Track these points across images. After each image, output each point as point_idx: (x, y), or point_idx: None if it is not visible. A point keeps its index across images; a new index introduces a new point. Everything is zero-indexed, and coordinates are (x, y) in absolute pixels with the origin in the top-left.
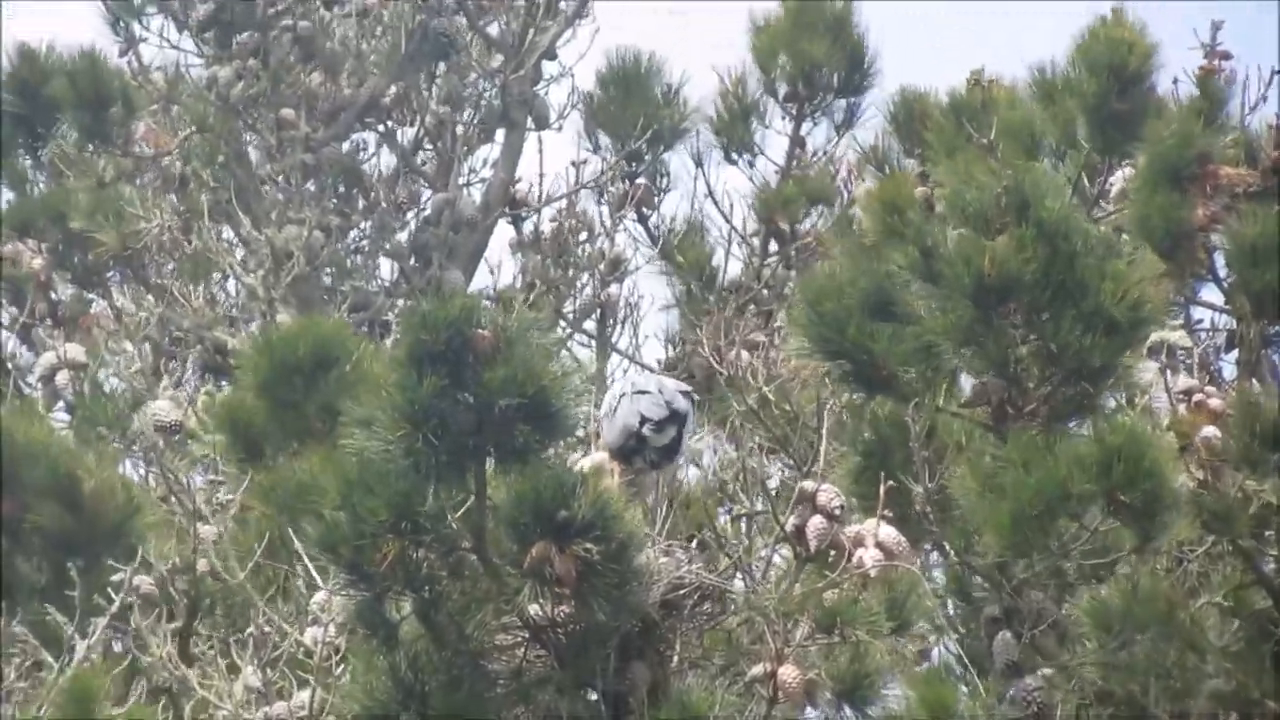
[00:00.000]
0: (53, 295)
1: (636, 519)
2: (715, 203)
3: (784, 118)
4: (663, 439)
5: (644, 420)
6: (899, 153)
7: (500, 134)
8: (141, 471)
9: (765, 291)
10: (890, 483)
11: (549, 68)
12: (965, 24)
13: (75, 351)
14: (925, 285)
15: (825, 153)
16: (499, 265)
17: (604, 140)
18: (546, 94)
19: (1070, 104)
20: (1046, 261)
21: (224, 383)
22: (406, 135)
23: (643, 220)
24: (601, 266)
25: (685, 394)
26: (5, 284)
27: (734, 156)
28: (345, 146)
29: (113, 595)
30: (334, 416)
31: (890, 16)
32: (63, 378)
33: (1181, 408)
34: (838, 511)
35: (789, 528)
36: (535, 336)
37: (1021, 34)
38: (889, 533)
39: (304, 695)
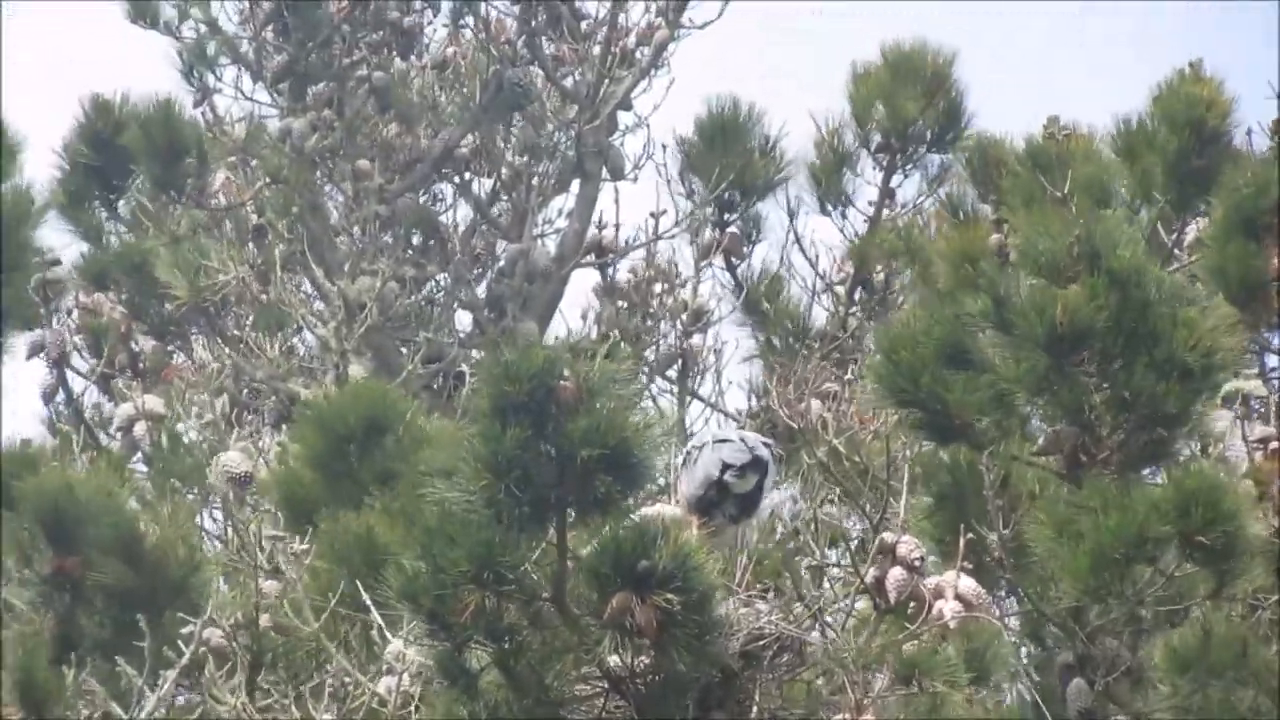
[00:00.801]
0: (132, 346)
1: (717, 569)
2: (804, 252)
3: (875, 168)
4: (744, 485)
5: (726, 467)
6: (974, 198)
7: (575, 185)
8: (218, 523)
9: (850, 342)
10: (969, 535)
11: (624, 118)
12: (1042, 65)
13: (153, 403)
14: (998, 334)
15: (915, 205)
16: (588, 311)
17: (696, 186)
18: (622, 144)
19: (1149, 158)
20: (1119, 309)
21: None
22: (482, 186)
23: (730, 269)
24: (684, 316)
25: (767, 445)
26: (85, 335)
27: (828, 207)
28: (420, 198)
29: (182, 648)
30: (387, 483)
31: (977, 61)
32: (140, 429)
33: (1258, 456)
34: (917, 563)
35: (869, 579)
36: (617, 387)
37: (1099, 77)
38: (968, 585)
39: None
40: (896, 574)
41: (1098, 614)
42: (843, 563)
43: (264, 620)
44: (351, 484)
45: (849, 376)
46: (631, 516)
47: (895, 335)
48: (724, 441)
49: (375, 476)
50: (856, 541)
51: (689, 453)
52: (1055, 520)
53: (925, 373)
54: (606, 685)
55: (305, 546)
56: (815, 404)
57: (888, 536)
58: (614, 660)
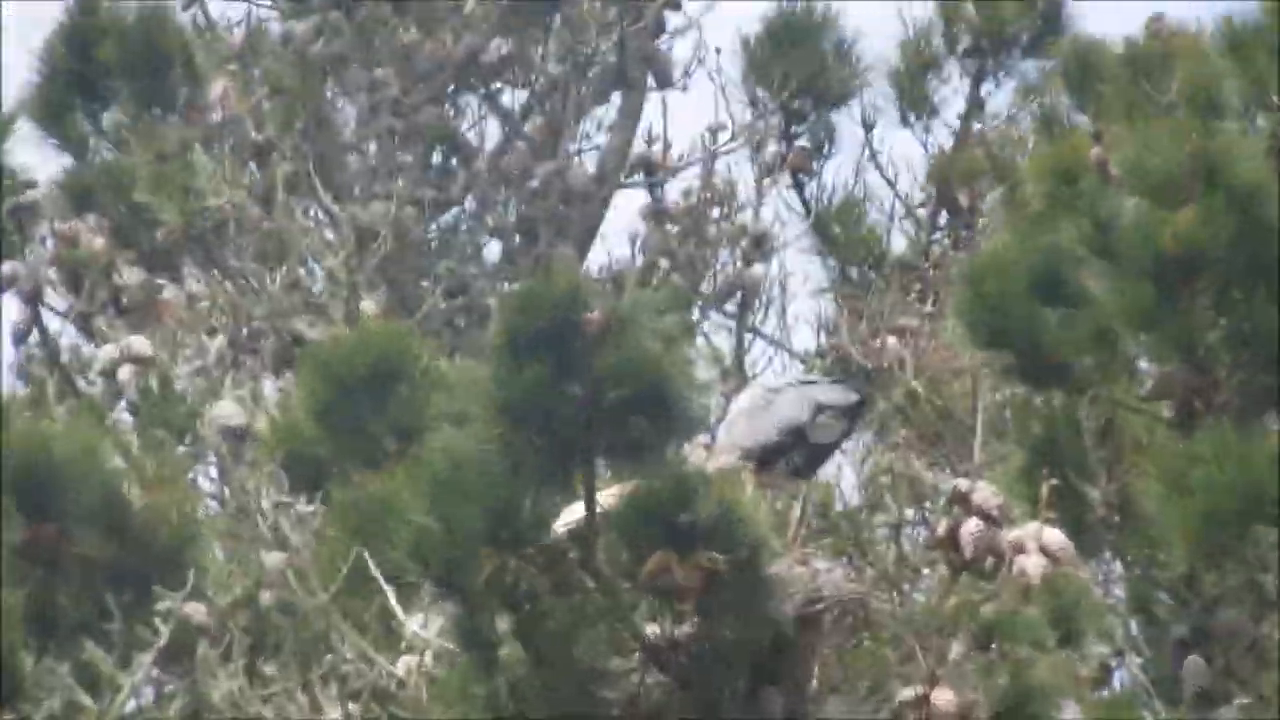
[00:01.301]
0: (116, 280)
1: (769, 523)
2: (881, 170)
3: (962, 75)
4: (832, 433)
5: (821, 408)
6: (1070, 110)
7: (617, 96)
8: (214, 483)
9: (932, 272)
10: (1054, 480)
11: (672, 20)
12: None
13: (140, 344)
14: (1100, 263)
15: (1007, 117)
16: (634, 238)
17: (760, 95)
18: (670, 49)
19: (1263, 60)
20: (1238, 233)
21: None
22: (514, 97)
23: (798, 188)
24: (744, 242)
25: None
26: (62, 267)
27: (910, 118)
28: (443, 111)
29: (160, 627)
30: (403, 438)
31: None
32: (125, 373)
33: None
34: (995, 513)
35: (941, 532)
36: (655, 318)
37: None
38: (1054, 536)
39: None
40: (972, 526)
41: (1214, 581)
42: (919, 519)
43: (266, 597)
44: (362, 439)
45: (930, 310)
46: (680, 464)
47: (981, 265)
48: (810, 383)
49: (389, 430)
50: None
51: (748, 397)
52: (1165, 474)
53: (1016, 308)
54: (643, 657)
55: (311, 509)
56: (892, 341)
57: (961, 483)
58: (651, 628)
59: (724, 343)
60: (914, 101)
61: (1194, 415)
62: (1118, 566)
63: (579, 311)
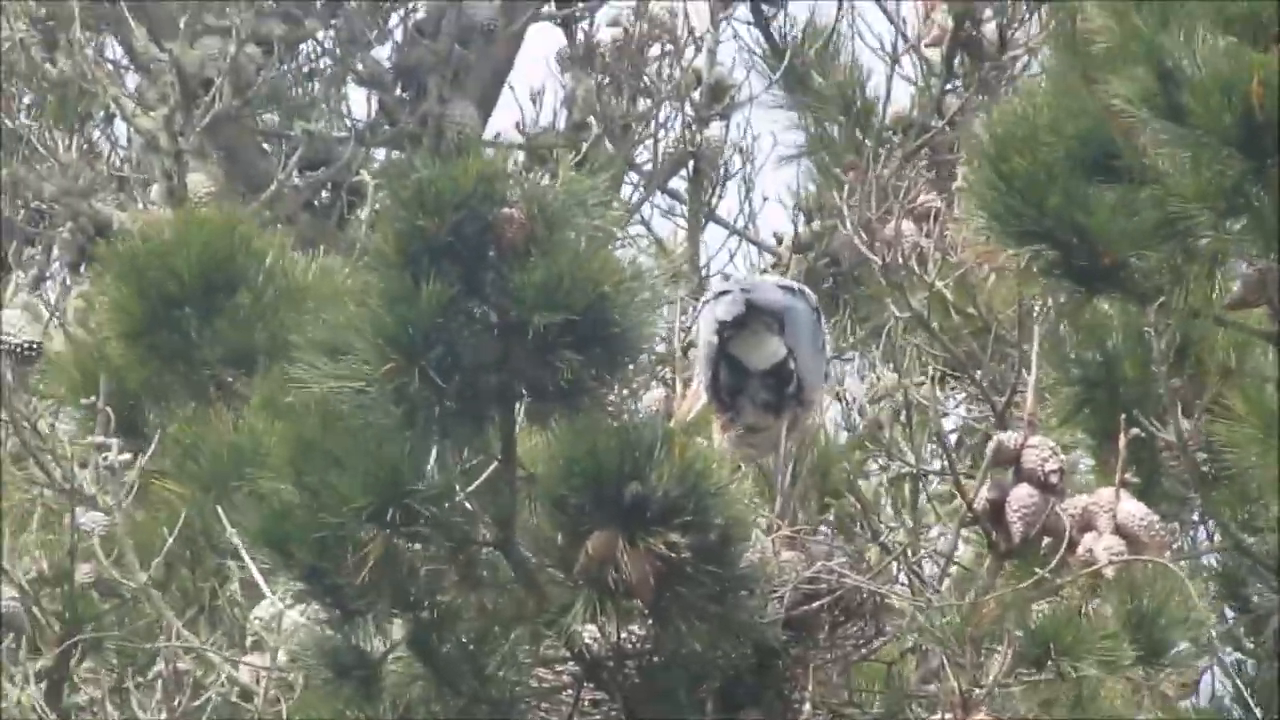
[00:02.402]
0: None
1: (746, 495)
2: None
3: None
4: (756, 353)
5: (722, 327)
6: None
7: None
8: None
9: (947, 132)
10: (1135, 430)
11: None
12: None
13: None
14: (1167, 126)
15: None
16: (540, 93)
17: None
18: None
19: None
20: None
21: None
22: None
23: (762, 23)
24: (696, 95)
25: (788, 289)
26: None
27: None
28: None
29: None
30: (248, 363)
31: None
32: None
33: None
34: (1055, 479)
35: (981, 503)
36: (592, 215)
37: None
38: (1134, 509)
39: None
40: (1022, 495)
41: None
42: (940, 471)
43: (84, 571)
44: (187, 368)
45: (959, 185)
46: (628, 413)
47: (1006, 132)
48: (722, 295)
49: (228, 356)
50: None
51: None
52: (1261, 409)
53: (1054, 188)
54: (579, 671)
55: (129, 455)
56: (908, 227)
57: (1006, 437)
58: (591, 634)
59: (670, 231)
60: None
61: None
62: (1199, 535)
63: (494, 208)
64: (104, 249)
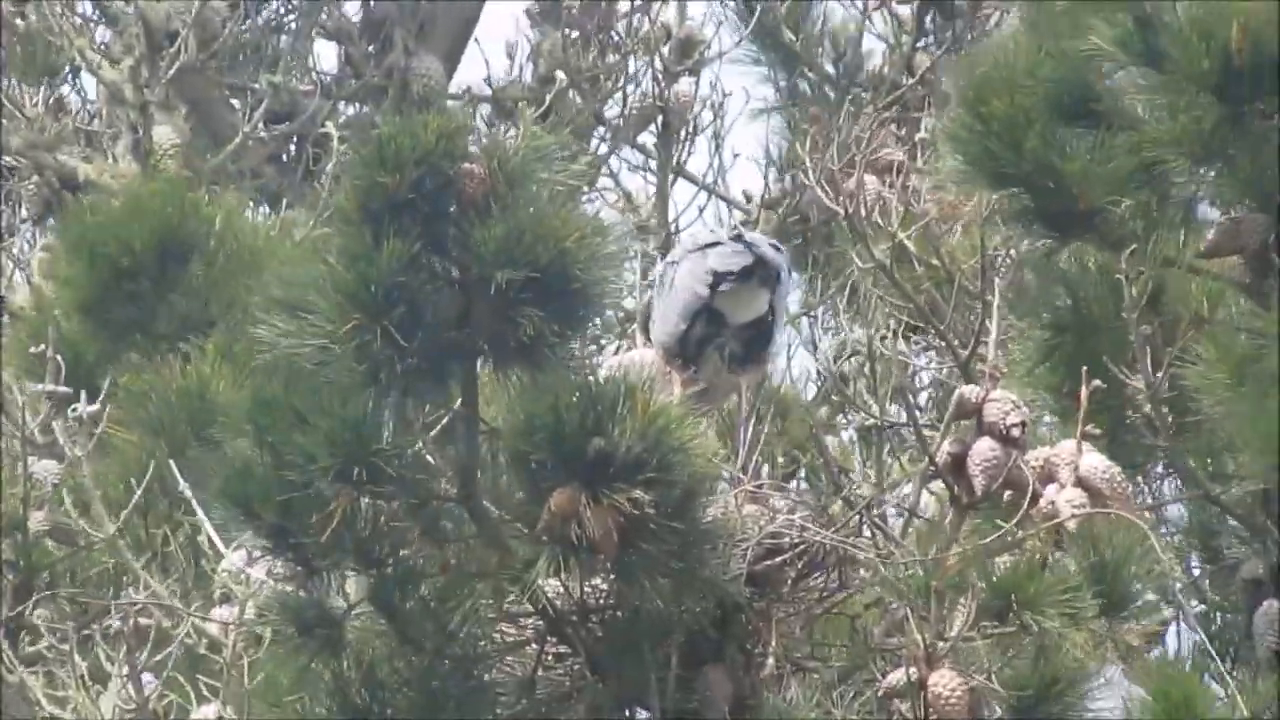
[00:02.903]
0: None
1: (709, 449)
2: None
3: None
4: (749, 306)
5: (718, 278)
6: None
7: None
8: None
9: (918, 90)
10: (1096, 381)
11: None
12: None
13: None
14: (1144, 71)
15: None
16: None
17: None
18: None
19: None
20: None
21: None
22: None
23: None
24: (665, 49)
25: (776, 247)
26: None
27: None
28: None
29: None
30: (204, 333)
31: None
32: None
33: None
34: (1017, 432)
35: (943, 457)
36: (554, 170)
37: None
38: (1096, 462)
39: (207, 712)
40: (984, 448)
41: None
42: (903, 424)
43: (38, 519)
44: (142, 338)
45: (923, 136)
46: (581, 368)
47: (985, 76)
48: (712, 246)
49: (183, 326)
50: (929, 392)
51: (664, 271)
52: (1233, 357)
53: (1031, 132)
54: (544, 628)
55: (93, 408)
56: (871, 181)
57: (968, 391)
58: (553, 589)
59: (639, 186)
60: None
61: (1269, 275)
62: (1168, 485)
63: (455, 163)
64: (64, 221)
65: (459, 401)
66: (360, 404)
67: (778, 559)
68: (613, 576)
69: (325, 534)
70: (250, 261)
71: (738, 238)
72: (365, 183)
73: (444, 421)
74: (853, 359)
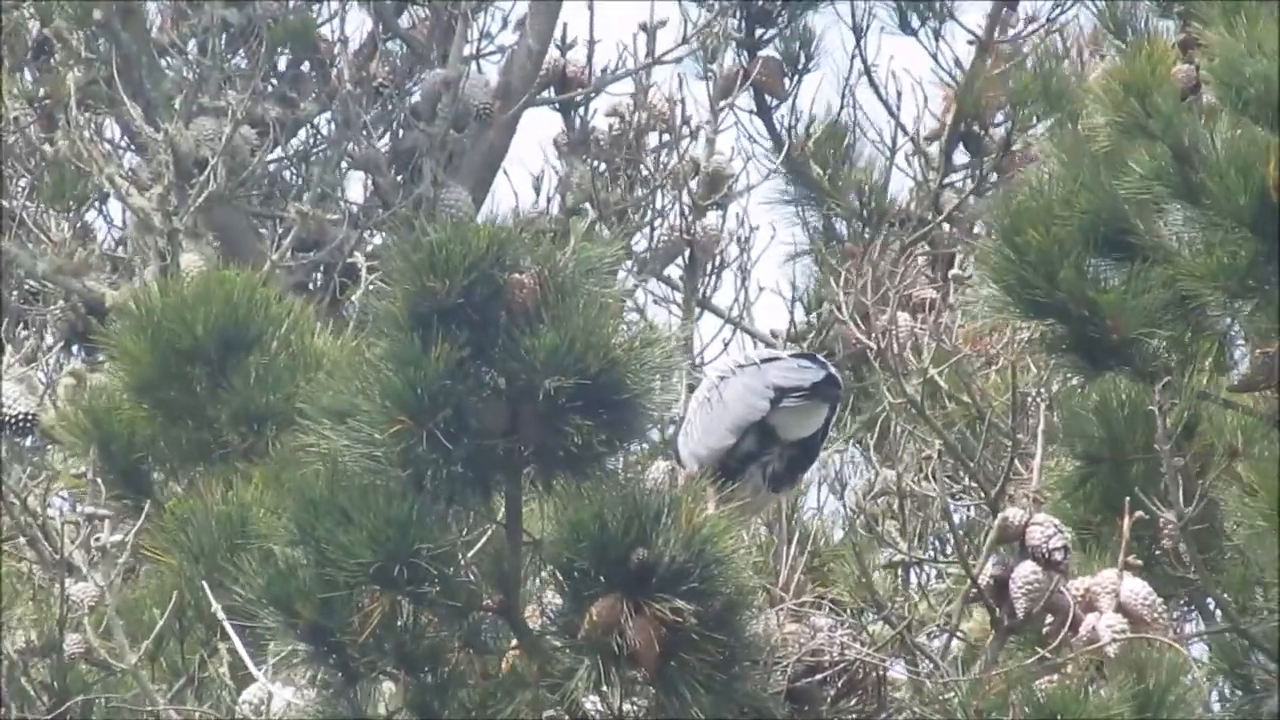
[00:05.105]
0: None
1: (751, 564)
2: (877, 89)
3: None
4: (808, 423)
5: (782, 393)
6: (1151, 12)
7: None
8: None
9: (946, 226)
10: (1139, 512)
11: None
12: None
13: None
14: (1181, 205)
15: (1049, 20)
16: (547, 175)
17: None
18: None
19: None
20: None
21: (99, 358)
22: None
23: (765, 113)
24: (694, 184)
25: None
26: None
27: (914, 20)
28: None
29: None
30: (256, 425)
31: None
32: None
33: None
34: (1059, 556)
35: (985, 580)
36: (601, 284)
37: None
38: (1137, 588)
39: None
40: (1026, 573)
41: None
42: (945, 556)
43: (72, 644)
44: (197, 426)
45: (956, 273)
46: (635, 481)
47: (1021, 207)
48: (770, 361)
49: (236, 416)
50: (963, 523)
51: (710, 386)
52: (1267, 489)
53: (1066, 264)
54: None
55: (120, 537)
56: (904, 318)
57: (1012, 515)
58: (592, 703)
59: (664, 319)
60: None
61: None
62: (1198, 618)
63: (505, 273)
64: (119, 307)
65: (501, 511)
66: (405, 507)
67: (819, 677)
68: (653, 689)
69: (365, 634)
70: (310, 363)
71: (803, 354)
72: (415, 288)
73: (488, 533)
74: (881, 498)
